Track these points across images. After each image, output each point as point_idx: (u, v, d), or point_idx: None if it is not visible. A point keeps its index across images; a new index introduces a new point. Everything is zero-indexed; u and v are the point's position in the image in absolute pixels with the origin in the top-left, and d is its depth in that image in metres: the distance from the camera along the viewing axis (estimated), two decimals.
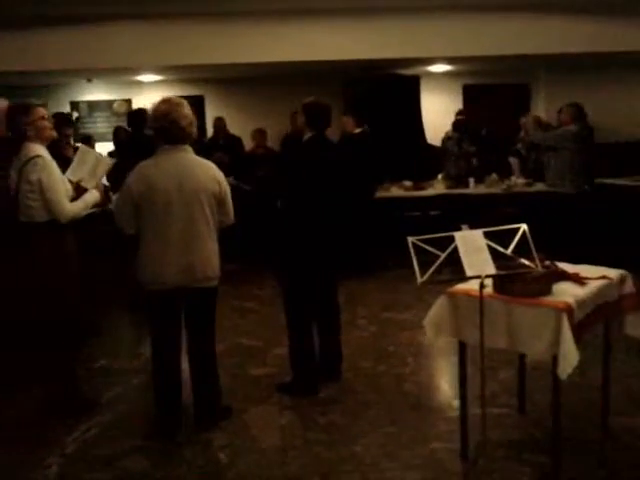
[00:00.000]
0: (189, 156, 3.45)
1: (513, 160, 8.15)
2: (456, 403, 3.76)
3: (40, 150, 3.60)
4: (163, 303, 3.48)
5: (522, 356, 3.60)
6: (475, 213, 6.75)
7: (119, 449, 3.45)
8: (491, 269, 2.55)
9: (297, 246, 3.96)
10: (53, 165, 3.60)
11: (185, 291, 3.43)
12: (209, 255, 3.44)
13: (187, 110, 3.41)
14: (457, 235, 2.59)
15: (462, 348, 3.13)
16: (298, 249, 3.96)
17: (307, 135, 3.99)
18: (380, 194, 7.48)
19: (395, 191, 7.65)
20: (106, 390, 4.21)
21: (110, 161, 3.97)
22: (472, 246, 2.57)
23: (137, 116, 6.30)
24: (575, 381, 2.92)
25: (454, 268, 2.73)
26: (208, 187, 3.40)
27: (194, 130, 3.45)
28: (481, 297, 2.62)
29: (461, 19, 7.78)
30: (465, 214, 6.79)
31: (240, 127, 8.86)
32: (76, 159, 3.92)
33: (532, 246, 2.61)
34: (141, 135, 6.08)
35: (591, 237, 6.21)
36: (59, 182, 3.61)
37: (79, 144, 5.27)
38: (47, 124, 3.68)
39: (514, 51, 7.96)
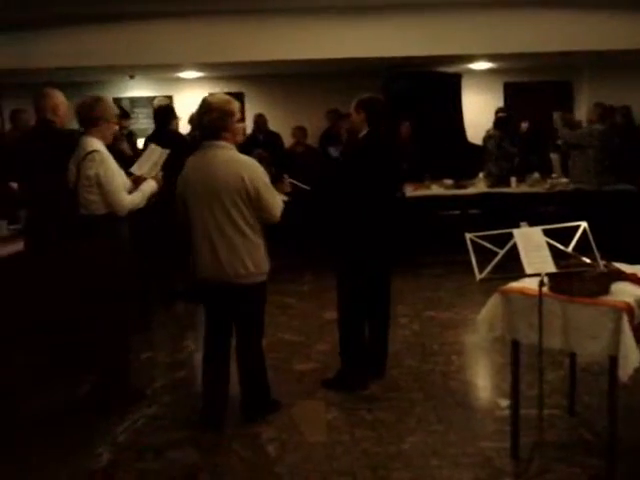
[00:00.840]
0: (219, 152, 3.41)
1: (554, 156, 8.04)
2: (503, 402, 3.75)
3: (97, 145, 3.66)
4: (208, 294, 3.54)
5: (573, 357, 3.55)
6: (517, 212, 6.68)
7: (168, 439, 3.50)
8: (551, 267, 2.52)
9: (357, 242, 3.93)
10: (110, 159, 3.66)
11: (224, 285, 3.45)
12: (239, 252, 3.39)
13: (212, 108, 3.39)
14: (516, 232, 2.56)
15: (515, 347, 3.10)
16: (358, 245, 3.93)
17: (365, 131, 3.95)
18: (421, 192, 7.45)
19: (436, 189, 7.60)
20: (151, 382, 4.28)
21: (166, 152, 4.01)
22: (531, 243, 2.54)
23: (163, 112, 6.38)
24: (626, 384, 2.87)
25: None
26: (230, 184, 3.33)
27: (220, 127, 3.39)
28: (540, 295, 2.59)
29: (503, 16, 7.68)
30: (506, 213, 6.72)
31: (279, 124, 8.90)
32: (145, 155, 4.01)
33: (593, 245, 2.57)
34: (167, 130, 6.17)
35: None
36: (116, 175, 3.67)
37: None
38: (115, 129, 3.78)
39: (556, 48, 7.84)
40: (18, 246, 4.47)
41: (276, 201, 3.49)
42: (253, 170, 3.41)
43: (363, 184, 3.90)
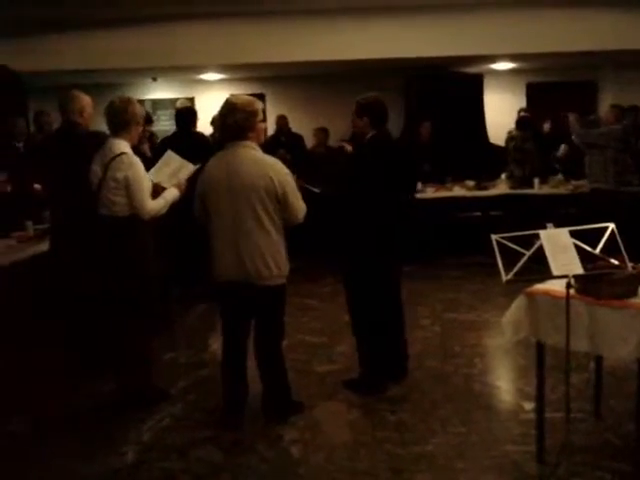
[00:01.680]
0: (244, 152, 3.42)
1: (563, 146, 7.95)
2: (527, 405, 3.72)
3: (126, 147, 3.69)
4: (226, 296, 3.54)
5: (599, 360, 3.51)
6: (540, 214, 6.62)
7: (192, 439, 3.52)
8: (579, 269, 2.49)
9: (362, 244, 3.90)
10: (138, 162, 3.68)
11: (244, 286, 3.44)
12: (262, 252, 3.39)
13: (237, 108, 3.40)
14: (543, 233, 2.54)
15: (540, 349, 3.07)
16: (363, 247, 3.90)
17: (371, 133, 3.90)
18: (442, 193, 7.43)
19: (457, 191, 7.55)
20: (175, 382, 4.30)
21: (193, 167, 3.98)
22: (558, 245, 2.52)
23: (185, 114, 6.40)
24: None
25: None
26: (259, 183, 3.34)
27: (247, 127, 3.40)
28: (568, 297, 2.56)
29: (525, 15, 7.64)
30: (528, 215, 6.69)
31: (301, 125, 8.90)
32: (161, 161, 4.01)
33: (622, 246, 2.54)
34: (191, 133, 6.20)
35: None
36: (144, 180, 3.69)
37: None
38: (141, 130, 3.83)
39: (580, 48, 7.78)
40: (43, 246, 4.52)
41: (300, 204, 3.51)
42: (280, 171, 3.43)
43: (371, 185, 3.85)
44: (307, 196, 3.80)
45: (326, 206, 5.41)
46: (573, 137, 7.76)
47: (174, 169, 3.94)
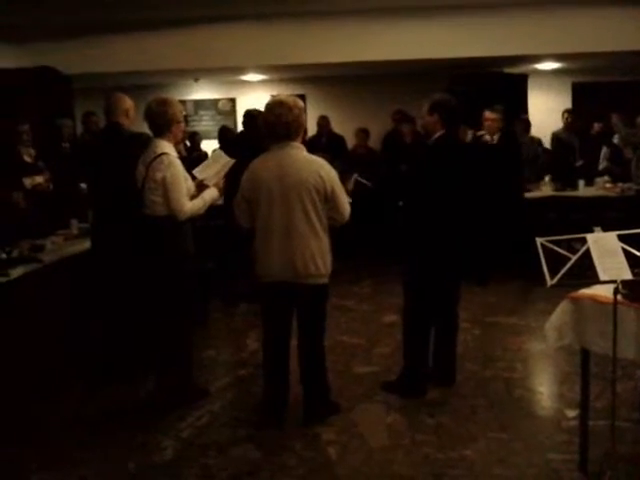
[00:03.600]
0: (294, 152, 3.46)
1: (604, 150, 7.75)
2: (570, 412, 3.64)
3: (168, 148, 3.73)
4: (271, 295, 3.55)
5: None
6: (585, 217, 6.47)
7: (231, 437, 3.55)
8: (627, 274, 2.42)
9: (423, 246, 3.85)
10: (177, 163, 3.71)
11: (291, 286, 3.47)
12: (312, 252, 3.42)
13: (291, 106, 3.43)
14: (590, 237, 2.48)
15: (585, 356, 2.99)
16: (425, 250, 3.85)
17: (439, 133, 3.85)
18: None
19: None
20: (213, 380, 4.35)
21: (232, 161, 4.02)
22: (606, 249, 2.45)
23: (252, 117, 6.43)
24: None
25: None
26: (309, 182, 3.37)
27: (299, 125, 3.46)
28: (615, 303, 2.50)
29: (571, 14, 7.47)
30: (573, 218, 6.54)
31: (341, 126, 8.90)
32: (209, 159, 4.05)
33: None
34: (252, 136, 6.22)
35: None
36: (181, 181, 3.71)
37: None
38: (183, 126, 3.86)
39: (628, 47, 7.56)
40: (86, 244, 4.61)
41: (346, 203, 3.56)
42: (329, 170, 3.48)
43: (436, 188, 3.78)
44: (354, 194, 3.81)
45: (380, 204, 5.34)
46: (614, 137, 7.59)
47: (220, 167, 3.98)
